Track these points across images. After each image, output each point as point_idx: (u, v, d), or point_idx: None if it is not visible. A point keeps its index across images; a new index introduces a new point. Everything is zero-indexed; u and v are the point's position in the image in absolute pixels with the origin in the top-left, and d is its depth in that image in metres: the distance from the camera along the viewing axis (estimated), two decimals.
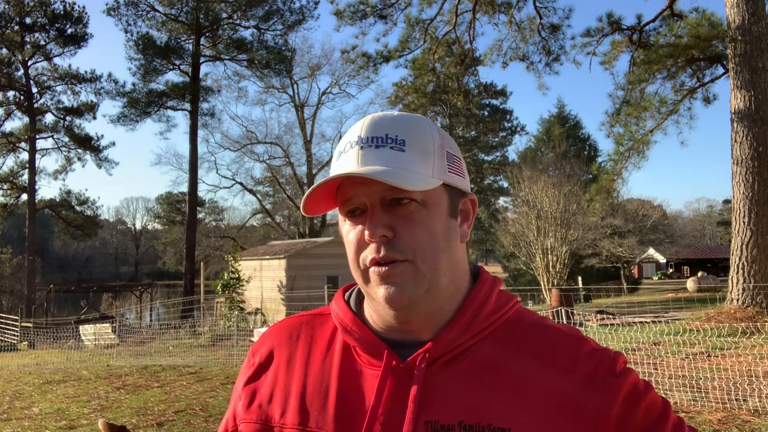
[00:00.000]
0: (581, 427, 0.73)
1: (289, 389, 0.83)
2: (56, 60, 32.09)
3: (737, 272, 10.88)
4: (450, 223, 0.79)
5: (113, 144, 44.77)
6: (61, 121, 32.35)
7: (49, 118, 32.60)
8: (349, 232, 0.78)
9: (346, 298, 0.89)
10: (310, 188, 0.75)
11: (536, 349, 0.79)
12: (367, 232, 0.75)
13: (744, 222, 10.92)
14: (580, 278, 20.62)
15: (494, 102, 49.68)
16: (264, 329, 11.95)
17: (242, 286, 18.00)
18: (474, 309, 0.80)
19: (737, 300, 10.75)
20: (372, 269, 0.76)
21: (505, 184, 46.08)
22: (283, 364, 0.86)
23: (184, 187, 34.20)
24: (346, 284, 0.93)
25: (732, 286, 11.00)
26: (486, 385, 0.75)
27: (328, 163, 37.33)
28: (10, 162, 33.54)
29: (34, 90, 31.61)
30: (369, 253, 0.76)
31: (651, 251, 45.43)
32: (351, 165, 0.76)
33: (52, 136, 32.64)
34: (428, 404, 0.75)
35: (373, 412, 0.75)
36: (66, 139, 32.61)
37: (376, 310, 0.82)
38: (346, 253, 0.81)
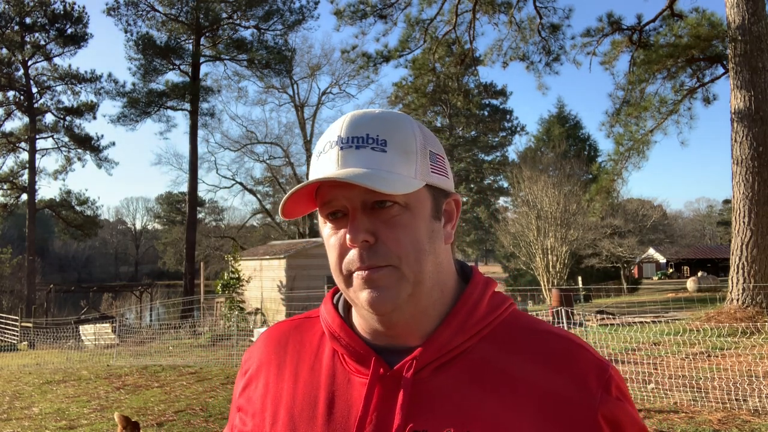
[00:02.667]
0: (577, 424, 0.71)
1: (279, 399, 0.82)
2: (56, 60, 32.17)
3: (737, 272, 10.88)
4: (434, 225, 0.77)
5: (113, 144, 44.99)
6: (61, 121, 32.37)
7: (49, 118, 32.67)
8: (331, 236, 0.76)
9: (334, 301, 0.87)
10: (289, 192, 0.73)
11: (530, 353, 0.76)
12: (348, 237, 0.72)
13: (744, 222, 10.92)
14: (580, 278, 20.60)
15: (494, 102, 49.70)
16: (264, 329, 11.97)
17: (242, 286, 17.99)
18: (465, 313, 0.78)
19: (737, 300, 10.75)
20: (355, 274, 0.74)
21: (505, 184, 46.08)
22: (273, 373, 0.85)
23: (184, 187, 34.22)
24: (336, 286, 0.89)
25: (732, 286, 11.00)
26: (476, 392, 0.73)
27: None
28: (10, 162, 33.59)
29: (34, 90, 31.64)
30: (352, 258, 0.74)
31: (651, 251, 45.42)
32: (331, 167, 0.74)
33: (52, 136, 32.68)
34: (417, 412, 0.73)
35: (361, 422, 0.74)
36: (66, 139, 32.64)
37: (362, 314, 0.80)
38: (328, 257, 0.78)
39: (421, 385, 0.75)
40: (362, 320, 0.81)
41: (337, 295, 0.88)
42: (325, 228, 0.77)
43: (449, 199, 0.80)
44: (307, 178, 0.77)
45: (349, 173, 0.70)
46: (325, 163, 0.75)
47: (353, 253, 0.74)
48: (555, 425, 0.71)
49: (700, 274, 30.97)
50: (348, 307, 0.86)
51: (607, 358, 7.30)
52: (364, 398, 0.75)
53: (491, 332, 0.78)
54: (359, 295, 0.74)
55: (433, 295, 0.77)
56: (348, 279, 0.75)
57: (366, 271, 0.73)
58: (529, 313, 0.87)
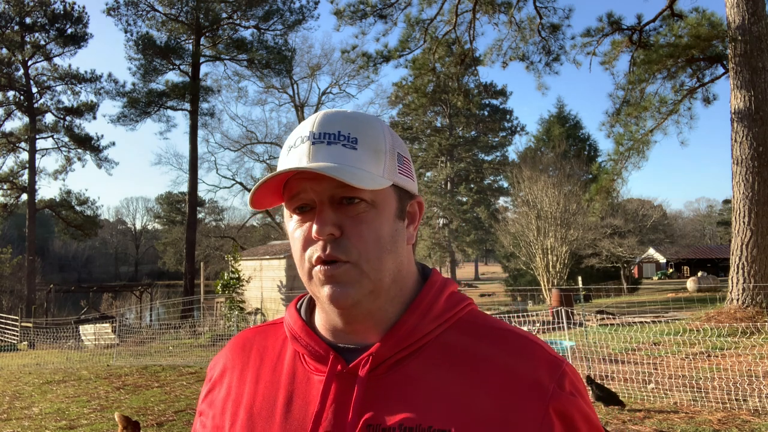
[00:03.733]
0: (530, 415, 0.72)
1: (240, 400, 0.83)
2: (56, 60, 32.14)
3: (737, 272, 10.88)
4: (397, 225, 0.79)
5: (113, 144, 45.07)
6: (61, 121, 32.35)
7: (49, 118, 32.64)
8: (296, 229, 0.78)
9: (297, 306, 0.89)
10: (258, 182, 0.74)
11: (487, 348, 0.77)
12: (315, 228, 0.74)
13: (744, 222, 10.92)
14: (580, 278, 20.56)
15: (494, 102, 49.75)
16: None
17: (242, 286, 17.99)
18: (421, 311, 0.79)
19: (737, 300, 10.75)
20: (317, 268, 0.75)
21: (505, 184, 46.09)
22: (236, 377, 0.86)
23: (184, 187, 34.24)
24: (301, 294, 0.93)
25: (732, 286, 11.00)
26: (432, 386, 0.75)
27: None
28: (10, 162, 33.62)
29: (34, 90, 31.63)
30: (315, 251, 0.75)
31: (651, 251, 45.39)
32: (302, 160, 0.75)
33: (52, 136, 32.66)
34: (372, 407, 0.74)
35: (317, 418, 0.75)
36: (66, 139, 32.62)
37: (323, 308, 0.82)
38: (292, 250, 0.80)
39: (378, 380, 0.76)
40: (324, 317, 0.83)
41: (300, 301, 0.91)
42: (291, 221, 0.79)
43: (413, 201, 0.83)
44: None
45: (321, 166, 0.72)
46: (296, 156, 0.77)
47: (317, 245, 0.75)
48: (509, 416, 0.72)
49: (700, 274, 30.96)
50: (311, 310, 0.88)
51: (607, 358, 7.27)
52: (320, 395, 0.76)
53: (448, 328, 0.80)
54: (321, 290, 0.76)
55: (391, 293, 0.79)
56: (310, 272, 0.77)
57: (327, 267, 0.75)
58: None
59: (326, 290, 0.75)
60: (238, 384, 0.85)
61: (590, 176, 24.93)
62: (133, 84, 30.13)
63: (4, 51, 30.08)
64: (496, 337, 0.79)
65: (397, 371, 0.77)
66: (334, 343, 0.81)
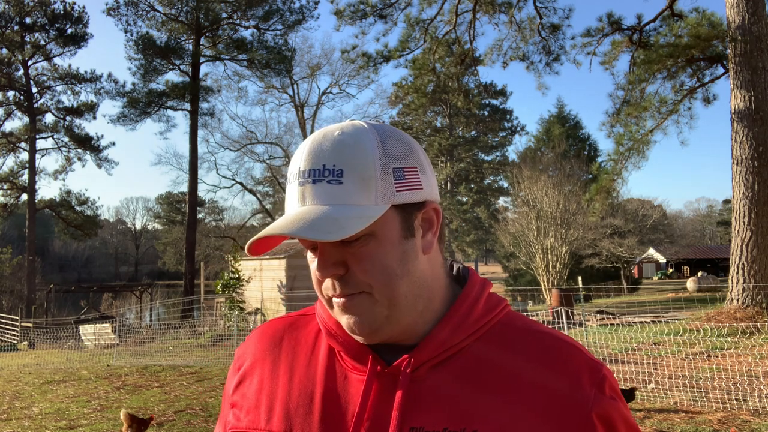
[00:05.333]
0: (571, 422, 0.72)
1: (275, 395, 0.82)
2: (56, 60, 32.13)
3: (737, 272, 10.88)
4: (406, 246, 0.75)
5: (113, 144, 45.17)
6: (61, 121, 32.35)
7: (49, 118, 32.63)
8: (311, 263, 0.78)
9: None
10: (251, 240, 0.74)
11: (526, 350, 0.77)
12: (317, 273, 0.75)
13: (744, 222, 10.92)
14: (580, 278, 20.56)
15: (494, 102, 49.74)
16: None
17: (242, 286, 18.00)
18: (463, 312, 0.78)
19: (737, 300, 10.75)
20: (333, 300, 0.76)
21: (505, 184, 46.08)
22: (268, 369, 0.85)
23: (184, 187, 34.25)
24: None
25: (732, 286, 11.00)
26: (473, 388, 0.74)
27: None
28: (10, 162, 33.59)
29: (34, 90, 31.62)
30: (327, 288, 0.76)
31: (651, 251, 45.40)
32: (293, 204, 0.74)
33: (52, 136, 32.65)
34: (414, 410, 0.74)
35: (358, 419, 0.74)
36: (66, 139, 32.61)
37: None
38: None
39: (418, 382, 0.75)
40: None
41: None
42: (308, 254, 0.79)
43: (426, 209, 0.78)
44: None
45: (297, 224, 0.70)
46: (289, 198, 0.75)
47: (328, 282, 0.76)
48: (549, 423, 0.71)
49: (700, 274, 30.96)
50: None
51: (607, 358, 7.28)
52: (361, 395, 0.75)
53: (487, 332, 0.79)
54: (341, 320, 0.78)
55: (417, 308, 0.77)
56: (329, 302, 0.78)
57: (341, 299, 0.75)
58: (525, 314, 0.87)
59: (344, 320, 0.76)
60: (271, 377, 0.84)
61: (590, 176, 24.95)
62: (133, 84, 30.15)
63: (4, 51, 30.08)
64: (535, 340, 0.78)
65: (435, 374, 0.76)
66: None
